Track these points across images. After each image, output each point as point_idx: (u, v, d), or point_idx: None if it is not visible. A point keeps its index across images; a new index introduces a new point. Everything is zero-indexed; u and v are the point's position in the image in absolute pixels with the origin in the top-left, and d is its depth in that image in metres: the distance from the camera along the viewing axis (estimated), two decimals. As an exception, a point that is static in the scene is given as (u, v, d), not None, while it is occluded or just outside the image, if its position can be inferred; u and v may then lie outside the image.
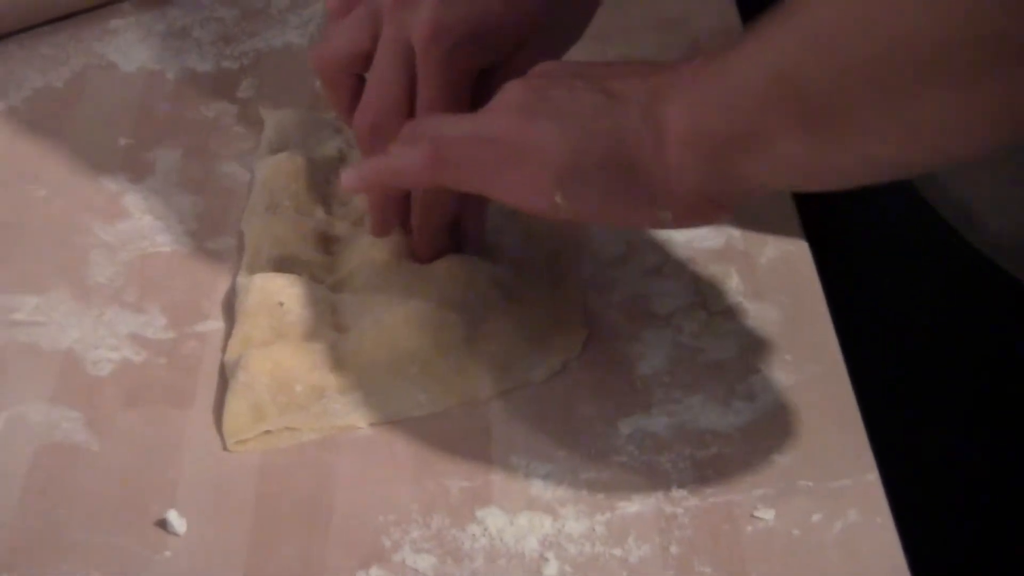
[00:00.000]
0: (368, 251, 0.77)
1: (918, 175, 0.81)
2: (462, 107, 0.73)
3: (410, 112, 0.74)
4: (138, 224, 0.82)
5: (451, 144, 0.69)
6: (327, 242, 0.79)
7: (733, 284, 0.76)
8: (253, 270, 0.77)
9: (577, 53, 0.92)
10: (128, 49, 0.95)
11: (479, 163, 0.68)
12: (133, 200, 0.83)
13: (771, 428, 0.69)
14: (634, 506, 0.66)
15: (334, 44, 0.76)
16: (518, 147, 0.67)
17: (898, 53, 0.55)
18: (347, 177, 0.73)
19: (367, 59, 0.75)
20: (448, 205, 0.75)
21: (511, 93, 0.69)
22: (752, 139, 0.61)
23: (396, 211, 0.76)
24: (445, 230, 0.76)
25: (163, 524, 0.66)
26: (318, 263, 0.78)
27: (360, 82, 0.76)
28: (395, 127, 0.73)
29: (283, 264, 0.77)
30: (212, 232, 0.81)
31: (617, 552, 0.64)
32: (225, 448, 0.70)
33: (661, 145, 0.64)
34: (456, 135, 0.69)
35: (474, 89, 0.74)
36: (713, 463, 0.68)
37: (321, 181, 0.82)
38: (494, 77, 0.74)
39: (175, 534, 0.66)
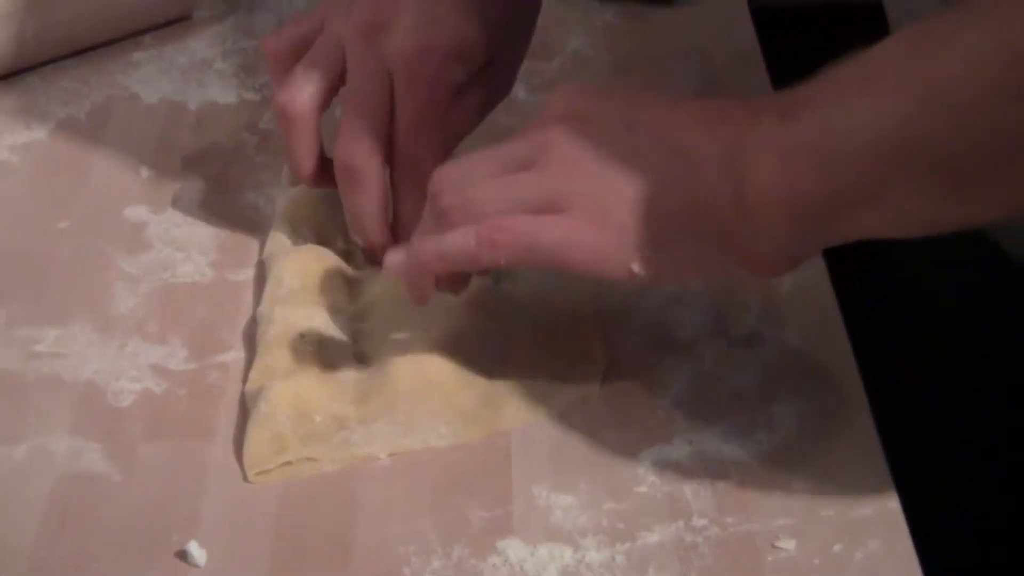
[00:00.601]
0: (390, 282, 0.77)
1: None
2: (441, 126, 0.74)
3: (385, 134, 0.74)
4: (160, 255, 0.82)
5: (510, 224, 0.65)
6: (348, 273, 0.79)
7: (753, 312, 0.76)
8: (274, 301, 0.77)
9: (601, 79, 0.93)
10: (150, 81, 0.95)
11: (548, 246, 0.65)
12: (155, 231, 0.84)
13: (792, 457, 0.69)
14: (655, 536, 0.66)
15: (298, 90, 0.75)
16: (584, 218, 0.64)
17: None
18: (392, 259, 0.70)
19: (329, 95, 0.76)
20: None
21: (559, 142, 0.66)
22: (860, 203, 0.59)
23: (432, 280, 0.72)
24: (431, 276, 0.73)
25: (183, 555, 0.66)
26: (339, 294, 0.78)
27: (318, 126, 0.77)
28: (378, 164, 0.74)
29: (304, 295, 0.77)
30: (234, 263, 0.81)
31: (637, 582, 0.64)
32: (246, 479, 0.70)
33: (744, 207, 0.62)
34: (516, 219, 0.65)
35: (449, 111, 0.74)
36: (734, 493, 0.67)
37: (342, 212, 0.82)
38: (467, 97, 0.75)
39: (196, 566, 0.66)
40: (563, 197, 0.65)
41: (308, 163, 0.77)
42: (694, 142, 0.63)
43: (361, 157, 0.74)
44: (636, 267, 0.64)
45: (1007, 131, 0.55)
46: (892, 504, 0.66)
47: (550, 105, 0.68)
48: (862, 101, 0.59)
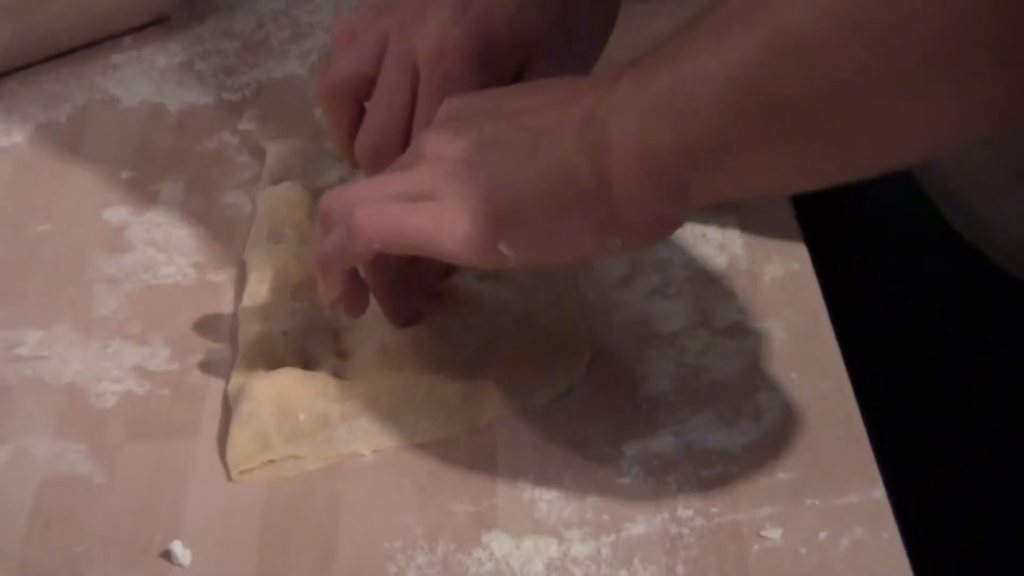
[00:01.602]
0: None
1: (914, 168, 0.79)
2: None
3: (408, 133, 0.73)
4: (141, 256, 0.82)
5: (391, 212, 0.66)
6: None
7: (736, 303, 0.76)
8: (256, 300, 0.77)
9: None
10: (130, 83, 0.95)
11: (414, 229, 0.65)
12: (136, 233, 0.83)
13: (777, 446, 0.69)
14: (640, 527, 0.66)
15: (339, 69, 0.76)
16: (450, 205, 0.65)
17: (887, 58, 0.53)
18: (311, 273, 0.72)
19: (371, 84, 0.75)
20: (391, 261, 0.72)
21: (431, 142, 0.67)
22: (714, 153, 0.58)
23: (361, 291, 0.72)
24: (402, 287, 0.74)
25: (168, 556, 0.66)
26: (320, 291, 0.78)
27: (362, 111, 0.76)
28: (397, 147, 0.73)
29: (285, 293, 0.77)
30: (215, 263, 0.81)
31: (623, 574, 0.64)
32: (230, 478, 0.69)
33: (603, 174, 0.61)
34: (383, 204, 0.66)
35: None
36: (719, 482, 0.67)
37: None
38: None
39: (180, 565, 0.65)
40: (431, 189, 0.66)
41: (341, 141, 0.78)
42: (553, 120, 0.63)
43: (369, 150, 0.74)
44: (504, 248, 0.64)
45: (853, 75, 0.54)
46: (877, 492, 0.66)
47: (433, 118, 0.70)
48: (711, 48, 0.58)
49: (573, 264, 0.75)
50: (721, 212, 0.81)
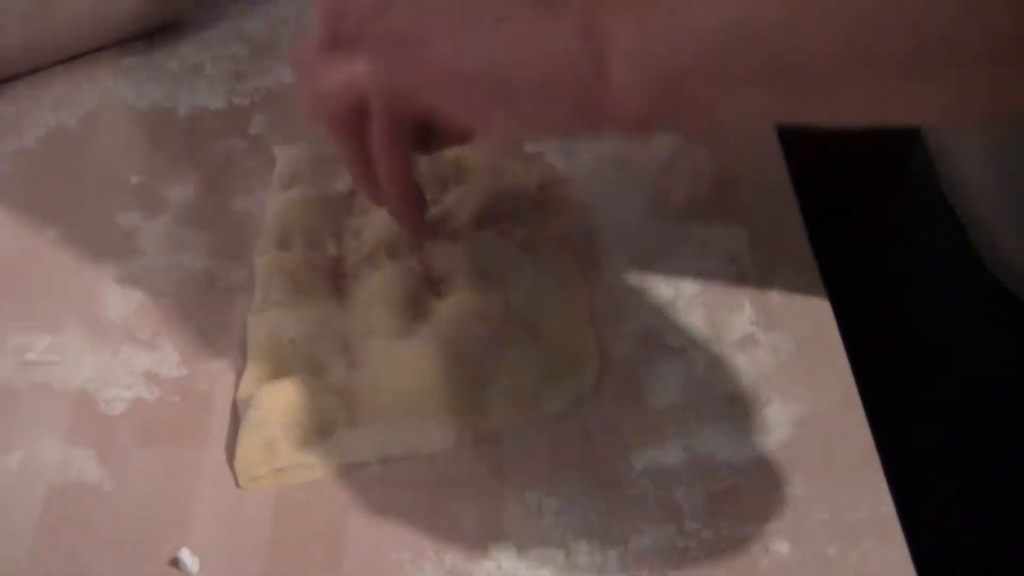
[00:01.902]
0: (380, 287, 0.77)
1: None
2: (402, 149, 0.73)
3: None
4: (151, 261, 0.82)
5: (389, 59, 0.67)
6: (339, 277, 0.79)
7: (746, 315, 0.76)
8: (265, 306, 0.77)
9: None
10: (140, 86, 0.95)
11: (413, 76, 0.67)
12: (146, 237, 0.83)
13: (785, 460, 0.69)
14: (647, 539, 0.66)
15: (331, 93, 0.74)
16: (451, 73, 0.65)
17: (883, 32, 0.53)
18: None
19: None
20: (405, 152, 0.73)
21: (439, 7, 0.67)
22: (708, 81, 0.60)
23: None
24: (416, 192, 0.75)
25: (176, 563, 0.66)
26: (330, 298, 0.78)
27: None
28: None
29: (295, 300, 0.77)
30: (225, 268, 0.81)
31: (631, 587, 0.64)
32: (238, 485, 0.69)
33: (602, 65, 0.61)
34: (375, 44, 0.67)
35: None
36: (727, 496, 0.67)
37: (333, 216, 0.82)
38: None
39: (188, 573, 0.66)
40: (436, 58, 0.66)
41: (355, 170, 0.77)
42: (565, 6, 0.63)
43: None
44: (496, 115, 0.65)
45: (845, 41, 0.54)
46: (886, 507, 0.66)
47: None
48: None
49: (567, 139, 0.76)
50: (731, 224, 0.81)
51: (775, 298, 0.77)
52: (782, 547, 0.65)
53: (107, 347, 0.77)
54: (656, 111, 0.62)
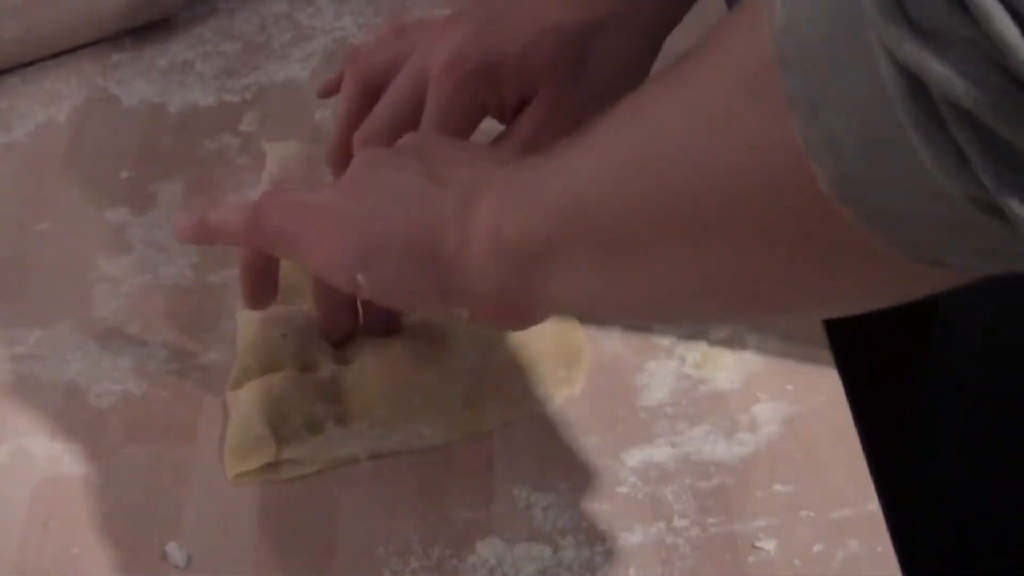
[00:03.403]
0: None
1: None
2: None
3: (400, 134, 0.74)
4: (141, 257, 0.82)
5: (271, 208, 0.67)
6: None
7: (734, 314, 0.76)
8: (255, 302, 0.77)
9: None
10: (130, 83, 0.95)
11: (290, 232, 0.67)
12: (136, 233, 0.83)
13: (772, 458, 0.69)
14: (635, 537, 0.66)
15: (375, 52, 0.78)
16: (329, 221, 0.66)
17: (692, 201, 0.52)
18: (178, 225, 0.72)
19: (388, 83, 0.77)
20: None
21: (354, 162, 0.68)
22: (548, 258, 0.59)
23: (266, 281, 0.73)
24: (345, 300, 0.74)
25: (164, 557, 0.66)
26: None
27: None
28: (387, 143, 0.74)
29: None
30: (214, 265, 0.81)
31: (619, 583, 0.64)
32: (227, 480, 0.70)
33: (464, 242, 0.62)
34: (279, 201, 0.68)
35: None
36: (715, 493, 0.68)
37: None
38: (526, 116, 0.75)
39: (176, 567, 0.66)
40: (320, 199, 0.67)
41: (341, 132, 0.78)
42: (453, 176, 0.64)
43: (368, 141, 0.75)
44: (361, 278, 0.64)
45: (645, 224, 0.54)
46: (872, 505, 0.67)
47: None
48: (559, 161, 0.59)
49: (422, 314, 0.75)
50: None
51: (763, 297, 0.77)
52: (769, 544, 0.65)
53: (96, 342, 0.77)
54: (508, 295, 0.62)
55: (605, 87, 0.75)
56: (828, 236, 0.47)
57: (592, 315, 0.73)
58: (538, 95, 0.74)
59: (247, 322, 0.76)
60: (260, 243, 0.68)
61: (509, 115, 0.76)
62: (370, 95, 0.77)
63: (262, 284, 0.72)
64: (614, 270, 0.58)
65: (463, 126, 0.75)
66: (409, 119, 0.75)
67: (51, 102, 0.94)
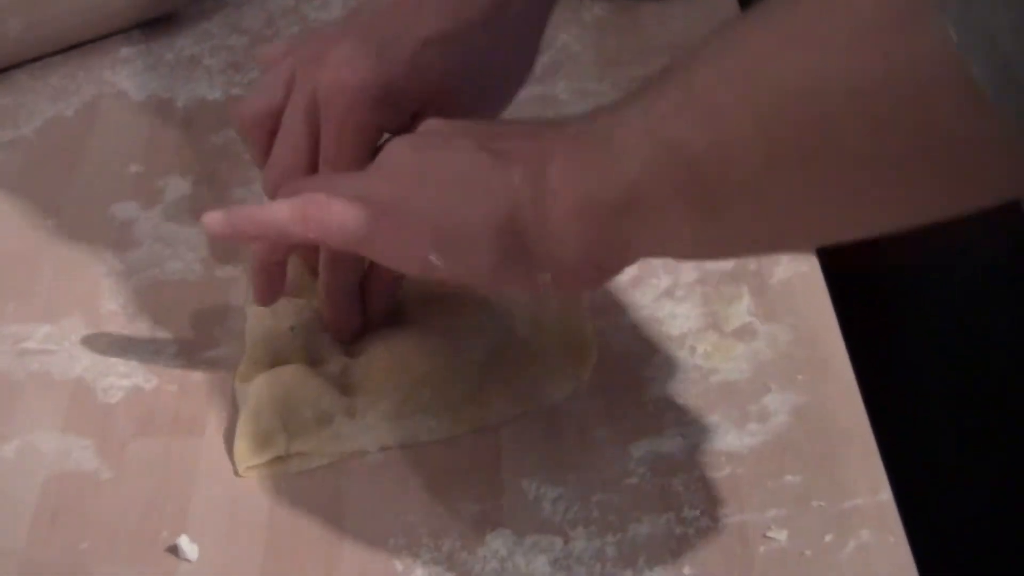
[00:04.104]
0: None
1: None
2: (362, 167, 0.71)
3: (314, 169, 0.72)
4: (149, 251, 0.82)
5: (324, 201, 0.66)
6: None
7: (744, 305, 0.76)
8: (263, 296, 0.77)
9: (590, 73, 0.92)
10: (138, 77, 0.95)
11: (350, 222, 0.65)
12: (144, 228, 0.83)
13: (783, 448, 0.69)
14: (645, 527, 0.66)
15: (251, 99, 0.75)
16: (392, 207, 0.64)
17: (820, 128, 0.50)
18: (211, 217, 0.68)
19: (278, 118, 0.74)
20: (352, 265, 0.73)
21: (393, 151, 0.67)
22: (637, 208, 0.58)
23: (279, 277, 0.72)
24: (353, 298, 0.74)
25: (175, 550, 0.66)
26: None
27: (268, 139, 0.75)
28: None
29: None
30: (222, 259, 0.81)
31: (628, 574, 0.64)
32: (236, 474, 0.69)
33: (542, 208, 0.61)
34: (330, 194, 0.66)
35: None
36: (726, 484, 0.67)
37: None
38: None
39: (187, 560, 0.66)
40: (380, 194, 0.65)
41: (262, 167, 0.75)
42: (512, 147, 0.63)
43: (272, 186, 0.72)
44: (434, 257, 0.63)
45: (751, 141, 0.53)
46: (884, 495, 0.66)
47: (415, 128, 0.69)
48: (640, 110, 0.58)
49: (501, 289, 0.74)
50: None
51: (774, 288, 0.77)
52: (780, 535, 0.65)
53: (105, 336, 0.77)
54: (593, 254, 0.61)
55: (491, 90, 0.75)
56: (973, 147, 0.46)
57: (681, 258, 0.72)
58: (431, 106, 0.72)
59: (256, 316, 0.76)
60: (314, 235, 0.66)
61: (406, 129, 0.73)
62: (268, 132, 0.74)
63: (274, 280, 0.72)
64: (716, 213, 0.56)
65: (361, 151, 0.72)
66: (311, 154, 0.72)
67: (59, 97, 0.94)
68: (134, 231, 0.83)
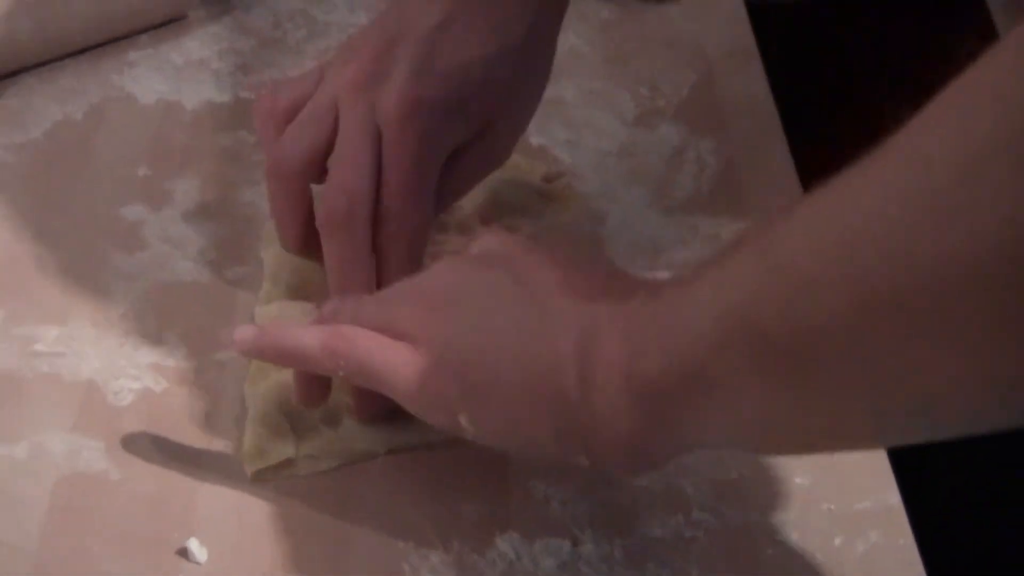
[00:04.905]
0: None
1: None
2: (432, 189, 0.71)
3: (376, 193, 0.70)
4: (157, 253, 0.82)
5: (351, 336, 0.63)
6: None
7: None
8: (271, 298, 0.77)
9: (597, 74, 0.93)
10: (146, 80, 0.95)
11: (376, 366, 0.62)
12: (152, 230, 0.84)
13: (791, 450, 0.69)
14: (654, 530, 0.66)
15: (290, 145, 0.72)
16: (422, 354, 0.61)
17: (922, 294, 0.46)
18: (241, 335, 0.67)
19: (322, 158, 0.72)
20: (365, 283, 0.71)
21: (437, 278, 0.64)
22: (698, 385, 0.54)
23: (320, 388, 0.69)
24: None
25: (184, 553, 0.66)
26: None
27: (309, 188, 0.73)
28: (369, 213, 0.70)
29: (301, 292, 0.77)
30: (231, 261, 0.81)
31: (637, 576, 0.64)
32: (245, 476, 0.70)
33: (589, 382, 0.57)
34: (358, 326, 0.63)
35: (442, 173, 0.72)
36: (734, 486, 0.68)
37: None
38: (461, 160, 0.73)
39: (196, 563, 0.66)
40: (415, 331, 0.62)
41: (293, 226, 0.74)
42: (563, 307, 0.59)
43: (341, 212, 0.70)
44: (464, 419, 0.61)
45: (855, 313, 0.48)
46: (893, 498, 0.67)
47: (469, 245, 0.67)
48: (711, 280, 0.54)
49: (534, 459, 0.69)
50: (736, 216, 0.81)
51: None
52: (788, 537, 0.65)
53: (114, 339, 0.77)
54: (641, 435, 0.56)
55: (528, 104, 0.76)
56: None
57: (747, 449, 0.64)
58: (496, 121, 0.72)
59: (264, 318, 0.76)
60: (343, 374, 0.64)
61: (472, 141, 0.73)
62: (300, 185, 0.73)
63: (313, 390, 0.70)
64: (796, 390, 0.51)
65: (432, 169, 0.71)
66: (373, 184, 0.70)
67: (68, 100, 0.94)
68: (142, 233, 0.83)
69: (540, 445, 0.60)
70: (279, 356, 0.67)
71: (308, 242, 0.74)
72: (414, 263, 0.72)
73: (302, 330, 0.66)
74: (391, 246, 0.71)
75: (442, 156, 0.71)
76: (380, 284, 0.72)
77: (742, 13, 0.98)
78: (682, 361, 0.54)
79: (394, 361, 0.62)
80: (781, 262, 0.50)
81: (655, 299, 0.56)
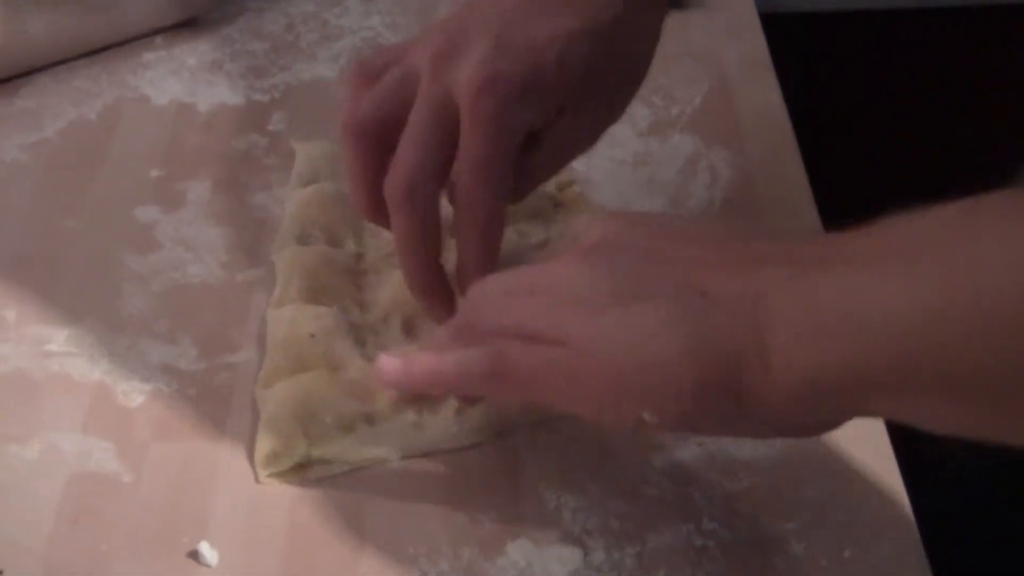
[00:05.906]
0: (400, 283, 0.77)
1: None
2: (507, 170, 0.70)
3: (444, 171, 0.70)
4: (169, 255, 0.82)
5: (520, 353, 0.62)
6: (357, 274, 0.79)
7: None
8: (283, 301, 0.77)
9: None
10: (160, 82, 0.95)
11: (551, 385, 0.61)
12: (164, 231, 0.84)
13: (803, 461, 0.69)
14: (665, 539, 0.66)
15: (365, 107, 0.72)
16: (595, 367, 0.60)
17: None
18: (389, 366, 0.67)
19: (400, 127, 0.71)
20: (431, 246, 0.72)
21: (566, 276, 0.62)
22: (878, 384, 0.55)
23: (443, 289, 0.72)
24: (441, 278, 0.73)
25: (195, 556, 0.66)
26: (349, 294, 0.78)
27: (385, 155, 0.72)
28: (432, 191, 0.70)
29: (313, 295, 0.77)
30: (243, 263, 0.81)
31: (648, 585, 0.64)
32: (257, 480, 0.70)
33: (768, 369, 0.57)
34: (524, 345, 0.61)
35: (521, 158, 0.71)
36: (745, 495, 0.68)
37: (351, 213, 0.82)
38: (541, 143, 0.72)
39: (207, 566, 0.66)
40: (559, 332, 0.61)
41: (360, 191, 0.73)
42: (723, 289, 0.58)
43: (402, 189, 0.70)
44: (647, 415, 0.59)
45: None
46: (903, 508, 0.66)
47: (582, 234, 0.65)
48: (892, 283, 0.54)
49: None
50: (747, 218, 0.81)
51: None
52: (799, 548, 0.65)
53: (125, 340, 0.77)
54: (825, 415, 0.58)
55: (618, 89, 0.75)
56: None
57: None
58: (576, 103, 0.72)
59: (276, 321, 0.76)
60: (511, 394, 0.64)
61: (549, 124, 0.72)
62: (374, 145, 0.72)
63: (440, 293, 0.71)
64: (981, 408, 0.52)
65: (509, 148, 0.70)
66: (445, 157, 0.70)
67: (82, 101, 0.94)
68: (155, 234, 0.84)
69: (725, 429, 0.62)
70: (436, 385, 0.67)
71: (377, 210, 0.73)
72: (489, 249, 0.71)
73: (455, 356, 0.64)
74: (466, 229, 0.71)
75: (517, 136, 0.70)
76: (459, 269, 0.72)
77: (756, 23, 0.98)
78: (859, 363, 0.54)
79: (566, 378, 0.61)
80: (972, 290, 0.51)
81: (827, 274, 0.56)
